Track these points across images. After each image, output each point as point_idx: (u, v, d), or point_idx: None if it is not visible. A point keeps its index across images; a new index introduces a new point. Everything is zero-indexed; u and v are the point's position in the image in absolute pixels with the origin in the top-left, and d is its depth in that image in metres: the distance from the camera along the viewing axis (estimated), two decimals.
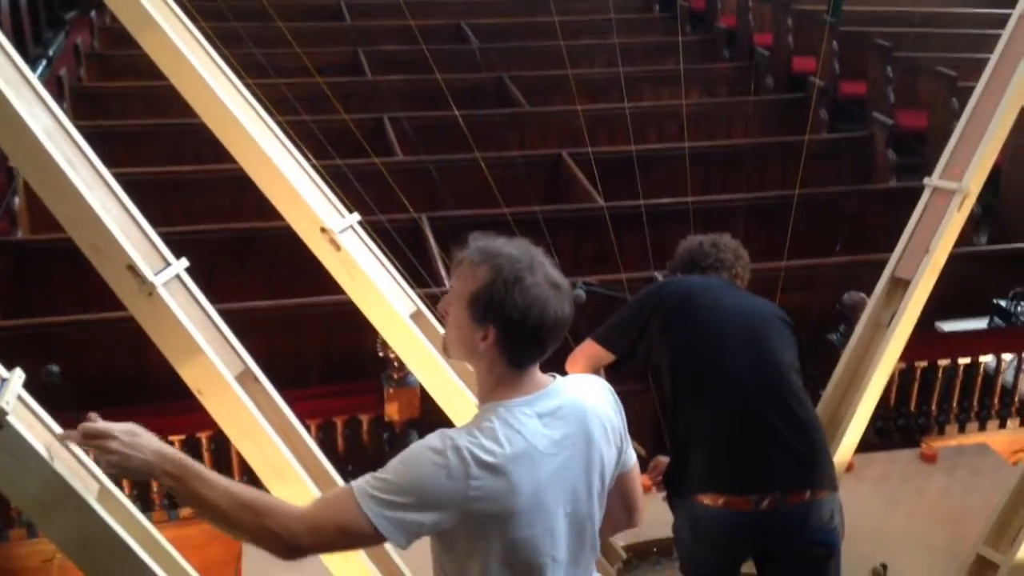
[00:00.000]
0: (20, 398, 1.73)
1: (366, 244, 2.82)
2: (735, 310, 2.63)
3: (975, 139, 3.05)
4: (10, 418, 1.65)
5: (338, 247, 2.73)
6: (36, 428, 1.74)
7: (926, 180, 3.15)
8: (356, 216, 2.83)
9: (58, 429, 1.77)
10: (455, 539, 1.70)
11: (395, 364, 3.26)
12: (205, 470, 1.67)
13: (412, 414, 3.43)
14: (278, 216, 5.27)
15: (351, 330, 4.03)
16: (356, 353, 4.02)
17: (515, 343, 1.69)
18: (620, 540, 3.13)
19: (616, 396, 1.89)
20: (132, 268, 2.17)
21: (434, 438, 1.67)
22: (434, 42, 7.55)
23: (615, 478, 1.88)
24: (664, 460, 2.74)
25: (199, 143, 6.16)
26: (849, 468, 3.13)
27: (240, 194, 5.48)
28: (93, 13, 8.98)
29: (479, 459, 1.63)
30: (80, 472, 1.80)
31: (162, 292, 2.20)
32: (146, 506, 3.44)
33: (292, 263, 4.78)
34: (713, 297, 2.67)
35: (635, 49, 7.93)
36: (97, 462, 1.67)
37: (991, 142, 2.98)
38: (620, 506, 1.96)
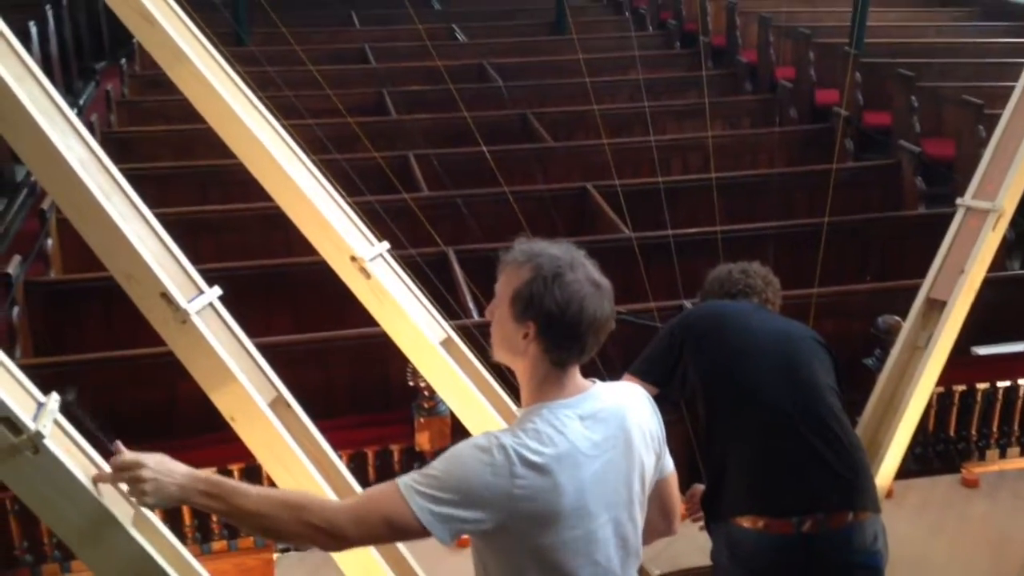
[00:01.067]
0: (57, 423, 1.73)
1: (395, 272, 2.82)
2: (768, 332, 2.60)
3: (1007, 158, 3.02)
4: (47, 442, 1.64)
5: (368, 275, 2.73)
6: (74, 453, 1.74)
7: (958, 200, 3.12)
8: (385, 244, 2.84)
9: (96, 455, 1.77)
10: (499, 539, 1.71)
11: (425, 393, 3.25)
12: (238, 483, 1.71)
13: (443, 443, 3.41)
14: (304, 252, 5.35)
15: (378, 363, 4.06)
16: (384, 386, 4.03)
17: (555, 339, 1.70)
18: (655, 568, 3.08)
19: (654, 403, 1.89)
20: (166, 296, 2.18)
21: (480, 437, 1.70)
22: (458, 82, 7.63)
23: (654, 484, 1.87)
24: (700, 488, 2.70)
25: (226, 183, 6.26)
26: (889, 495, 3.08)
27: (268, 232, 5.56)
28: (123, 61, 9.16)
29: (524, 458, 1.65)
30: (117, 498, 1.79)
31: (196, 320, 2.21)
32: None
33: (318, 299, 4.83)
34: (744, 320, 2.65)
35: (657, 84, 7.97)
36: (132, 495, 1.67)
37: None
38: (658, 513, 1.96)
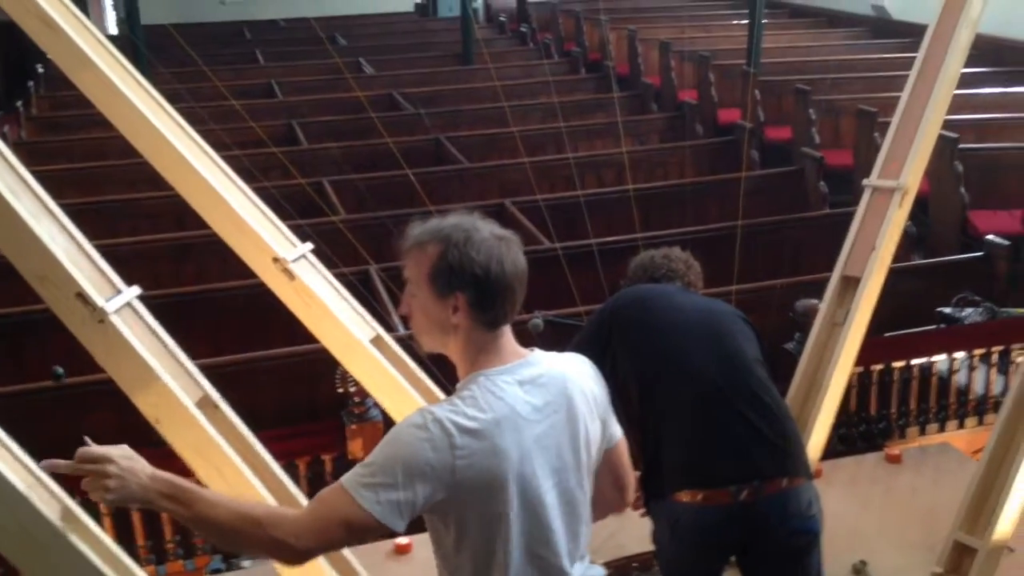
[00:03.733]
0: None
1: (320, 272, 2.78)
2: (691, 308, 2.64)
3: (908, 138, 3.15)
4: None
5: (292, 276, 2.69)
6: (6, 458, 1.65)
7: (865, 181, 3.24)
8: (309, 245, 2.80)
9: (28, 459, 1.69)
10: (448, 515, 1.68)
11: (355, 399, 3.19)
12: (202, 490, 1.64)
13: None
14: (217, 280, 5.22)
15: (305, 380, 3.99)
16: (311, 403, 3.95)
17: (485, 300, 1.69)
18: (599, 559, 3.07)
19: (598, 370, 1.88)
20: (82, 296, 2.11)
21: (415, 415, 1.67)
22: (367, 112, 7.62)
23: (602, 453, 1.86)
24: (636, 473, 2.70)
25: (135, 216, 6.12)
26: (817, 475, 3.13)
27: (180, 264, 5.44)
28: (19, 104, 8.90)
29: (461, 426, 1.62)
30: (42, 492, 1.70)
31: (114, 319, 2.13)
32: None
33: (237, 324, 4.74)
34: (669, 299, 2.69)
35: (567, 107, 8.09)
36: (90, 492, 1.59)
37: (924, 137, 3.08)
38: (610, 484, 1.95)
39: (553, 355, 1.84)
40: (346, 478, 1.63)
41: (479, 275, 1.66)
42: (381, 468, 1.61)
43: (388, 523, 1.61)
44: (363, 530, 1.63)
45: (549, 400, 1.74)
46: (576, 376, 1.81)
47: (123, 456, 1.60)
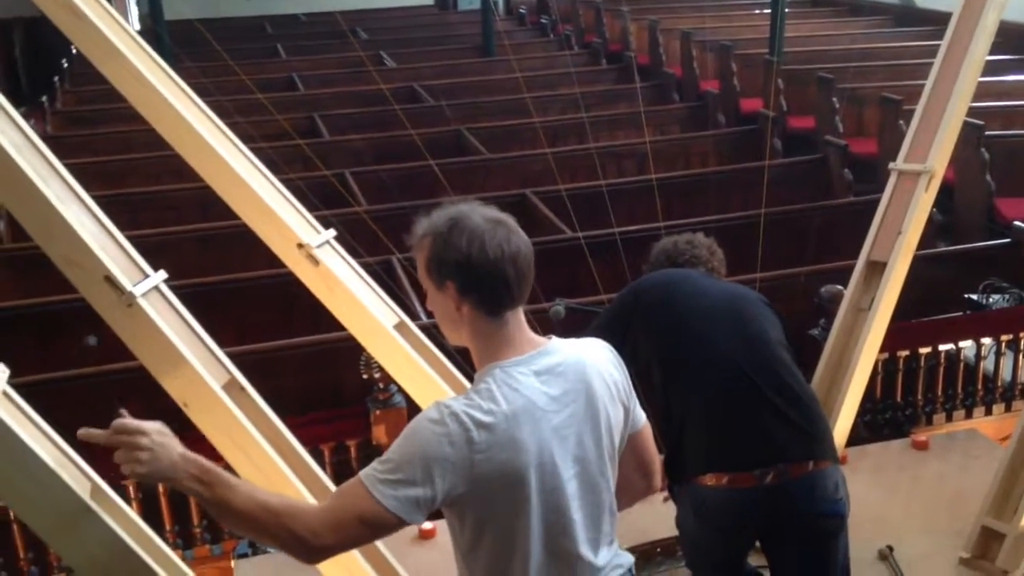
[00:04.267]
0: (6, 393, 1.67)
1: (344, 258, 2.79)
2: (716, 292, 2.63)
3: (934, 121, 3.13)
4: None
5: (316, 262, 2.70)
6: (23, 422, 1.67)
7: (891, 165, 3.22)
8: (332, 232, 2.81)
9: (46, 426, 1.71)
10: (467, 509, 1.67)
11: (380, 385, 3.20)
12: (228, 475, 1.64)
13: None
14: (241, 269, 5.26)
15: (329, 368, 4.01)
16: (336, 390, 3.97)
17: (475, 287, 1.67)
18: (620, 543, 3.07)
19: (618, 355, 1.86)
20: (110, 279, 2.13)
21: (431, 409, 1.65)
22: (389, 104, 7.63)
23: (625, 439, 1.84)
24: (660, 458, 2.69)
25: (158, 209, 6.17)
26: (843, 461, 3.11)
27: (203, 254, 5.48)
28: (44, 99, 8.98)
29: (478, 420, 1.61)
30: (72, 470, 1.72)
31: (142, 303, 2.15)
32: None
33: (261, 314, 4.77)
34: (693, 284, 2.67)
35: (588, 98, 8.07)
36: (122, 464, 1.60)
37: (952, 120, 3.05)
38: (635, 469, 1.93)
39: (571, 342, 1.81)
40: (364, 474, 1.63)
41: (461, 260, 1.64)
42: (399, 464, 1.60)
43: (407, 519, 1.60)
44: (382, 526, 1.62)
45: (568, 389, 1.72)
46: (595, 362, 1.79)
47: (157, 431, 1.60)
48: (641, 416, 1.91)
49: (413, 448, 1.61)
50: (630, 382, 1.86)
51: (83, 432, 1.63)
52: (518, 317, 1.74)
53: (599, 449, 1.76)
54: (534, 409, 1.66)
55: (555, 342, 1.77)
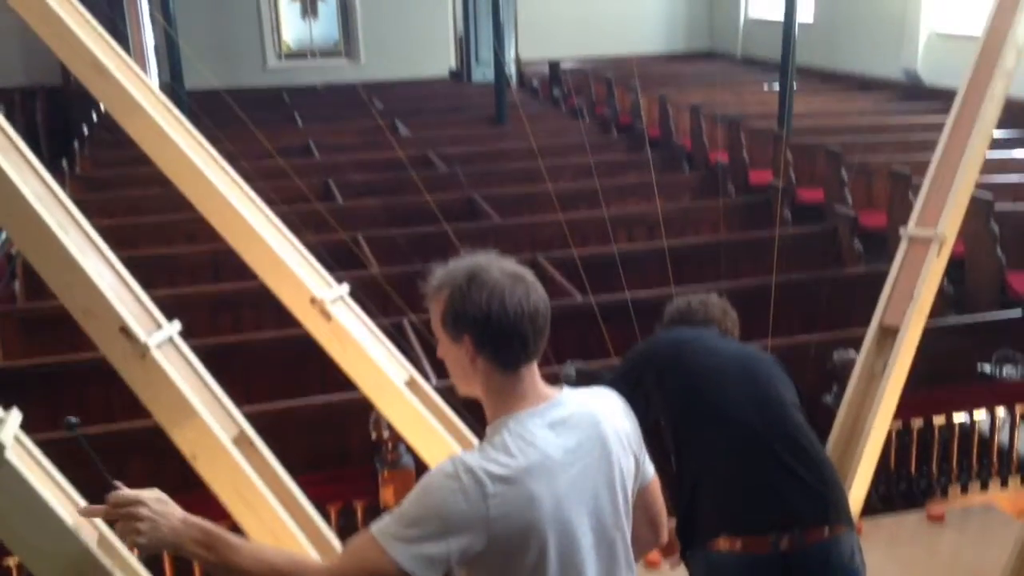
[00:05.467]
0: (18, 439, 1.66)
1: (356, 314, 2.80)
2: (729, 353, 2.63)
3: (944, 187, 3.15)
4: (8, 454, 1.57)
5: (329, 317, 2.71)
6: (34, 469, 1.66)
7: (902, 230, 3.23)
8: (345, 287, 2.82)
9: (57, 474, 1.70)
10: (484, 565, 1.64)
11: (388, 446, 3.17)
12: (232, 536, 1.63)
13: None
14: (253, 329, 5.26)
15: (337, 428, 3.98)
16: (342, 453, 3.93)
17: (491, 341, 1.66)
18: None
19: (627, 405, 1.85)
20: (125, 330, 2.14)
21: (445, 464, 1.63)
22: (404, 170, 7.73)
23: (636, 491, 1.82)
24: (671, 521, 2.65)
25: (173, 271, 6.21)
26: (857, 532, 3.06)
27: (217, 315, 5.50)
28: (64, 163, 9.12)
29: (493, 474, 1.59)
30: (79, 519, 1.70)
31: (155, 354, 2.16)
32: None
33: (270, 375, 4.76)
34: (706, 344, 2.67)
35: (599, 166, 8.14)
36: (122, 536, 1.60)
37: (962, 186, 3.07)
38: (644, 522, 1.90)
39: (581, 392, 1.81)
40: (377, 529, 1.60)
41: (480, 316, 1.64)
42: (414, 520, 1.58)
43: (421, 575, 1.57)
44: None
45: (582, 441, 1.70)
46: (607, 413, 1.78)
47: (155, 499, 1.60)
48: (650, 468, 1.90)
49: (428, 504, 1.58)
50: (640, 433, 1.85)
51: (83, 509, 1.62)
52: (532, 371, 1.73)
53: (613, 501, 1.74)
54: (549, 462, 1.64)
55: (566, 393, 1.77)
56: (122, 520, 1.58)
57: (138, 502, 1.58)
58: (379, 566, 1.56)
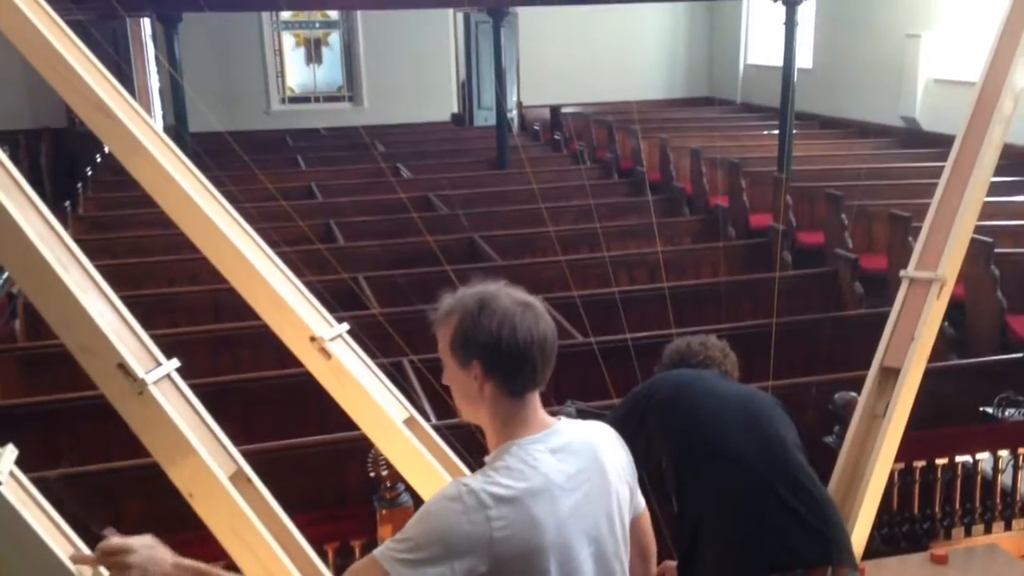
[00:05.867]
0: (13, 475, 1.65)
1: (356, 352, 2.80)
2: (730, 394, 2.62)
3: (944, 229, 3.14)
4: (2, 489, 1.56)
5: (328, 355, 2.70)
6: (29, 505, 1.65)
7: (902, 272, 3.23)
8: (345, 326, 2.82)
9: (53, 511, 1.69)
10: None
11: (387, 484, 3.15)
12: (226, 574, 1.64)
13: None
14: (251, 369, 5.26)
15: (335, 467, 3.96)
16: (340, 492, 3.91)
17: (501, 368, 1.68)
18: None
19: (623, 440, 1.87)
20: (123, 367, 2.13)
21: (449, 487, 1.64)
22: (405, 212, 7.78)
23: (629, 523, 1.83)
24: (672, 565, 2.63)
25: (173, 311, 6.23)
26: (861, 574, 3.03)
27: (217, 354, 5.50)
28: (67, 205, 9.18)
29: (496, 495, 1.60)
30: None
31: (153, 391, 2.15)
32: None
33: (269, 414, 4.75)
34: (707, 384, 2.67)
35: (600, 209, 8.20)
36: None
37: (962, 228, 3.07)
38: (635, 554, 1.93)
39: (577, 423, 1.84)
40: (380, 553, 1.60)
41: (491, 342, 1.67)
42: (417, 543, 1.57)
43: None
44: None
45: (582, 467, 1.72)
46: (603, 443, 1.81)
47: (144, 546, 1.60)
48: (641, 501, 1.94)
49: (431, 527, 1.59)
50: (633, 465, 1.87)
51: (73, 556, 1.62)
52: (536, 398, 1.76)
53: (612, 529, 1.76)
54: (552, 487, 1.65)
55: (564, 422, 1.80)
56: (112, 568, 1.57)
57: (126, 550, 1.57)
58: None
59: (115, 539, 1.60)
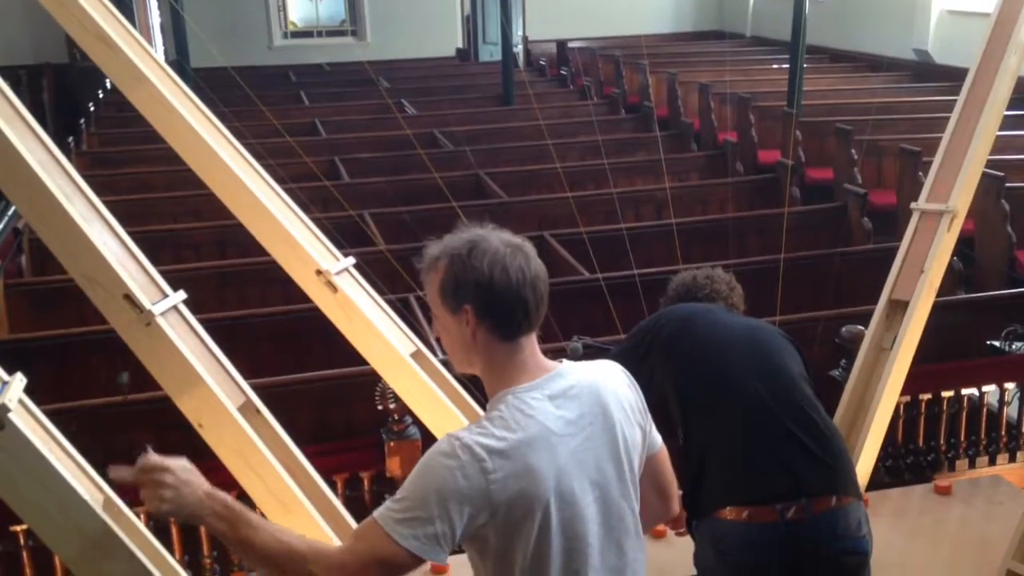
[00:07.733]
0: (22, 403, 1.66)
1: (362, 286, 2.79)
2: (737, 325, 2.61)
3: (956, 161, 3.12)
4: (12, 417, 1.57)
5: (335, 289, 2.70)
6: (39, 433, 1.66)
7: (913, 204, 3.21)
8: (351, 259, 2.81)
9: (60, 435, 1.70)
10: (487, 541, 1.63)
11: (394, 417, 3.17)
12: (252, 514, 1.63)
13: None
14: (258, 305, 5.26)
15: (343, 402, 3.98)
16: (348, 426, 3.94)
17: (494, 310, 1.65)
18: None
19: (631, 376, 1.84)
20: (129, 298, 2.14)
21: (442, 442, 1.62)
22: (410, 149, 7.71)
23: (643, 461, 1.81)
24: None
25: (178, 247, 6.22)
26: (864, 504, 3.05)
27: (222, 289, 5.50)
28: (70, 141, 9.12)
29: (491, 447, 1.58)
30: (84, 481, 1.71)
31: (160, 322, 2.16)
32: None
33: (276, 349, 4.77)
34: (713, 317, 2.66)
35: (607, 145, 8.13)
36: (147, 501, 1.59)
37: (974, 160, 3.04)
38: (654, 492, 1.90)
39: (584, 364, 1.79)
40: (379, 514, 1.60)
41: (482, 283, 1.63)
42: (414, 502, 1.57)
43: (429, 557, 1.58)
44: (404, 567, 1.59)
45: (583, 412, 1.69)
46: (610, 384, 1.76)
47: (182, 467, 1.60)
48: (658, 438, 1.89)
49: (427, 484, 1.58)
50: (645, 403, 1.84)
51: (113, 471, 1.62)
52: (532, 342, 1.72)
53: (619, 472, 1.73)
54: (549, 435, 1.63)
55: (567, 365, 1.75)
56: (149, 486, 1.58)
57: (165, 469, 1.58)
58: (386, 551, 1.56)
59: (155, 457, 1.60)
